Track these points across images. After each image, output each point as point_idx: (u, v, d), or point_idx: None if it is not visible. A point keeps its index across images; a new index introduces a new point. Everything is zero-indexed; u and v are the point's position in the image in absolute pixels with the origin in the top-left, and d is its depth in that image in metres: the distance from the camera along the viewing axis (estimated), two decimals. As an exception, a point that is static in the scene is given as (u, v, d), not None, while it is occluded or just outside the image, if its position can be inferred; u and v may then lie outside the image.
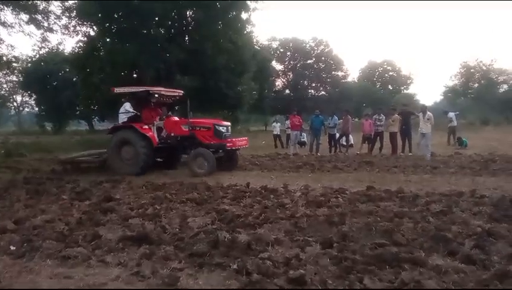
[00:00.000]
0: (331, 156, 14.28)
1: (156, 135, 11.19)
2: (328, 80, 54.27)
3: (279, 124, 21.49)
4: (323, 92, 55.10)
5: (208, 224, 4.97)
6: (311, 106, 40.02)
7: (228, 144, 10.62)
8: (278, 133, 20.75)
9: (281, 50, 54.17)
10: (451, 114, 18.84)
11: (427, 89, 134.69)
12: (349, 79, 58.79)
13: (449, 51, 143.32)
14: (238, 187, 7.71)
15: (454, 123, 18.52)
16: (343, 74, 56.19)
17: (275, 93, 51.25)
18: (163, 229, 4.72)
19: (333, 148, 16.55)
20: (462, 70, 51.48)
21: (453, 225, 4.60)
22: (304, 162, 12.07)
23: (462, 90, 51.37)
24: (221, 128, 10.92)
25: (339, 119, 16.86)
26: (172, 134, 11.20)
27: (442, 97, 57.64)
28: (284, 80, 55.47)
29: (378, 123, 15.25)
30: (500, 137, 21.59)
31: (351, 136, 17.25)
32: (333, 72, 54.99)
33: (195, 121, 11.13)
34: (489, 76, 49.67)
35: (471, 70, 50.62)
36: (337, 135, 16.84)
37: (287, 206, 5.86)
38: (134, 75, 24.11)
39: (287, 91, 54.42)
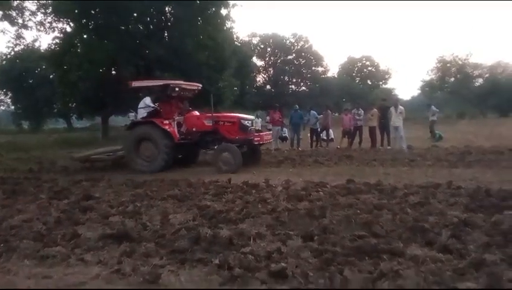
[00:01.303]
0: (312, 151, 14.38)
1: (176, 131, 10.83)
2: (309, 76, 54.55)
3: (260, 119, 21.49)
4: (303, 88, 55.38)
5: (190, 220, 4.93)
6: (292, 101, 40.03)
7: (256, 139, 10.27)
8: (259, 128, 20.73)
9: (262, 46, 54.09)
10: (434, 108, 18.90)
11: (405, 84, 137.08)
12: (329, 74, 59.26)
13: (426, 46, 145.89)
14: (219, 183, 7.68)
15: (435, 117, 18.57)
16: (323, 69, 56.62)
17: (256, 89, 51.20)
18: (144, 227, 4.67)
19: (314, 143, 16.66)
20: (439, 65, 52.29)
21: (431, 216, 4.68)
22: (285, 157, 12.14)
23: (439, 85, 52.22)
24: (246, 122, 10.55)
25: (318, 115, 16.97)
26: (193, 129, 10.80)
27: (419, 91, 58.61)
28: (265, 76, 55.48)
29: (358, 118, 15.42)
30: (476, 130, 22.07)
31: (331, 131, 17.43)
32: (313, 68, 55.29)
33: (219, 116, 10.82)
34: (464, 70, 50.57)
35: (447, 64, 51.45)
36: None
37: (269, 201, 5.86)
38: (113, 72, 23.77)
39: (268, 87, 54.45)
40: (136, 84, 11.18)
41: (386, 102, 16.21)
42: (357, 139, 15.50)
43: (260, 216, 4.96)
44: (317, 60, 55.13)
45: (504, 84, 47.72)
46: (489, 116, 45.13)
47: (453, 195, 5.88)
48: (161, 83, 11.04)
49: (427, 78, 54.06)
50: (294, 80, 55.57)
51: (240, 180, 7.71)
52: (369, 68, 64.14)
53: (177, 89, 10.90)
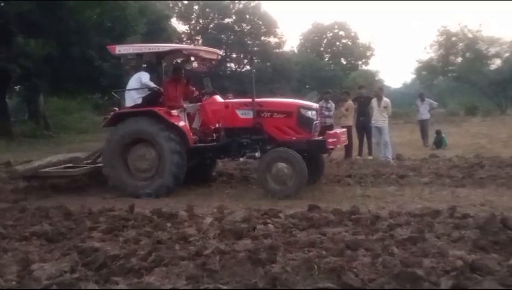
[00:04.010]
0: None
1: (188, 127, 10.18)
2: (256, 50, 55.01)
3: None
4: (248, 67, 55.79)
5: (66, 272, 4.81)
6: (230, 86, 40.34)
7: (330, 140, 9.58)
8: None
9: (185, 2, 53.97)
10: (429, 100, 19.60)
11: (394, 65, 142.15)
12: (286, 48, 60.24)
13: (423, 11, 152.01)
14: (115, 213, 7.58)
15: (428, 115, 19.11)
16: (276, 40, 57.34)
17: (175, 67, 50.86)
18: (-9, 284, 4.50)
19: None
20: (441, 39, 54.37)
21: (425, 258, 4.86)
22: (219, 172, 12.21)
23: (441, 67, 54.30)
24: (309, 113, 9.98)
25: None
26: (218, 125, 10.04)
27: (414, 76, 61.15)
28: (190, 48, 55.22)
29: (326, 113, 15.62)
30: (491, 132, 23.17)
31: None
32: (262, 38, 55.88)
33: (263, 103, 10.18)
34: (476, 47, 52.56)
35: (453, 38, 53.57)
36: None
37: (192, 239, 5.86)
38: None
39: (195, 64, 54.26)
40: (122, 49, 10.52)
41: (365, 91, 16.63)
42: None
43: (178, 263, 4.93)
44: (268, 26, 55.80)
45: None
46: (511, 112, 47.06)
47: (457, 227, 6.14)
48: (166, 49, 10.60)
49: (425, 57, 56.22)
50: (234, 56, 55.86)
51: (147, 208, 7.67)
52: (344, 41, 66.01)
53: (192, 58, 10.60)
